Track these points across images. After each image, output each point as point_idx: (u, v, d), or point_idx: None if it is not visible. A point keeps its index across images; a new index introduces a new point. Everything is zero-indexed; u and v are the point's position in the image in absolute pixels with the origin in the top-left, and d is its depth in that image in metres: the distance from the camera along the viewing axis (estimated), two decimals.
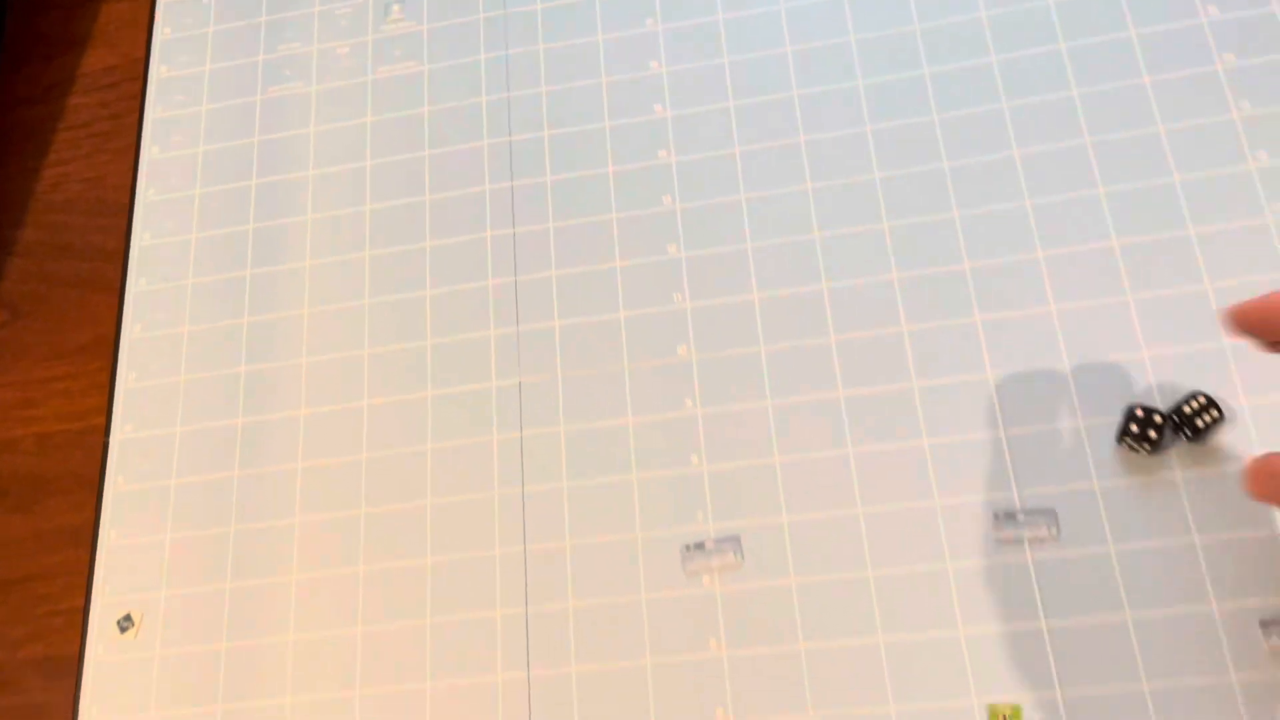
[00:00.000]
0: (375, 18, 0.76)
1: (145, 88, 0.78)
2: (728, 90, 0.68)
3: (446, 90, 0.72)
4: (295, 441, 0.64)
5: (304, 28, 0.77)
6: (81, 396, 0.70)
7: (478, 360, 0.64)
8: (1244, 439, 0.55)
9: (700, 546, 0.58)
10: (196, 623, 0.61)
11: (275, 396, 0.66)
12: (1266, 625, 0.51)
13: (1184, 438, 0.54)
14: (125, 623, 0.62)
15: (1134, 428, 0.54)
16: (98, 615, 0.63)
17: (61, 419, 0.69)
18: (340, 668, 0.59)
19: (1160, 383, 0.56)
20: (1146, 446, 0.54)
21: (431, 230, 0.69)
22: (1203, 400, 0.54)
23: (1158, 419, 0.54)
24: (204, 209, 0.73)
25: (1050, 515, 0.55)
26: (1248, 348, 0.56)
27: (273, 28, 0.78)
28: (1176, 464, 0.55)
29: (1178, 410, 0.54)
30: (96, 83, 0.79)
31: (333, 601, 0.60)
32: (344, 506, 0.62)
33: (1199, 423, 0.53)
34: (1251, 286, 0.57)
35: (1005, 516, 0.56)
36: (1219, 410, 0.54)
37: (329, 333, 0.67)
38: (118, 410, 0.68)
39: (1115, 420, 0.56)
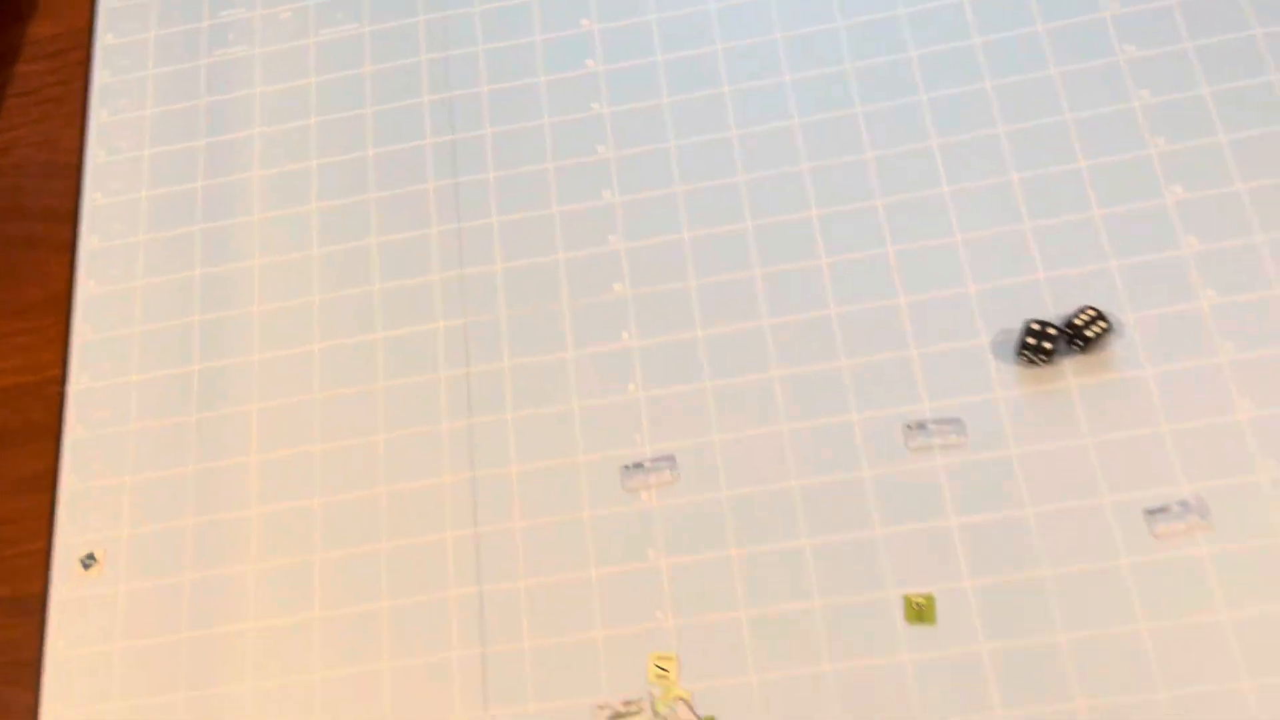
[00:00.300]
0: None
1: (91, 55, 0.80)
2: (655, 45, 0.72)
3: (386, 51, 0.75)
4: (250, 385, 0.67)
5: None
6: (38, 351, 0.71)
7: (425, 302, 0.67)
8: (1130, 348, 0.60)
9: (639, 466, 0.62)
10: (158, 558, 0.64)
11: (229, 343, 0.69)
12: (1150, 514, 0.57)
13: (1076, 348, 0.59)
14: (89, 560, 0.64)
15: (1030, 340, 0.59)
16: (61, 555, 0.65)
17: (19, 372, 0.71)
18: (299, 593, 0.62)
19: (1055, 300, 0.62)
20: (1042, 357, 0.59)
21: (376, 183, 0.71)
22: (1092, 313, 0.59)
23: (1051, 331, 0.59)
24: (153, 169, 0.75)
25: (958, 424, 0.60)
26: (1133, 266, 0.61)
27: None
28: (1070, 373, 0.60)
29: (1069, 323, 0.59)
30: (43, 50, 0.81)
31: (291, 532, 0.63)
32: (299, 443, 0.65)
33: (1089, 333, 0.58)
34: (1135, 213, 0.63)
35: (917, 426, 0.60)
36: (1106, 321, 0.59)
37: (280, 282, 0.70)
38: (74, 363, 0.70)
39: (1016, 336, 0.61)
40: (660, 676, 0.57)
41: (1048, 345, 0.59)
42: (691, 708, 0.56)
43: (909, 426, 0.60)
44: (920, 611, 0.57)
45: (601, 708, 0.57)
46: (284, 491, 0.64)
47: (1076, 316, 0.59)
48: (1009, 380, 0.61)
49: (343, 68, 0.75)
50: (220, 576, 0.63)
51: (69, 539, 0.65)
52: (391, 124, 0.73)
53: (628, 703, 0.57)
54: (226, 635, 0.62)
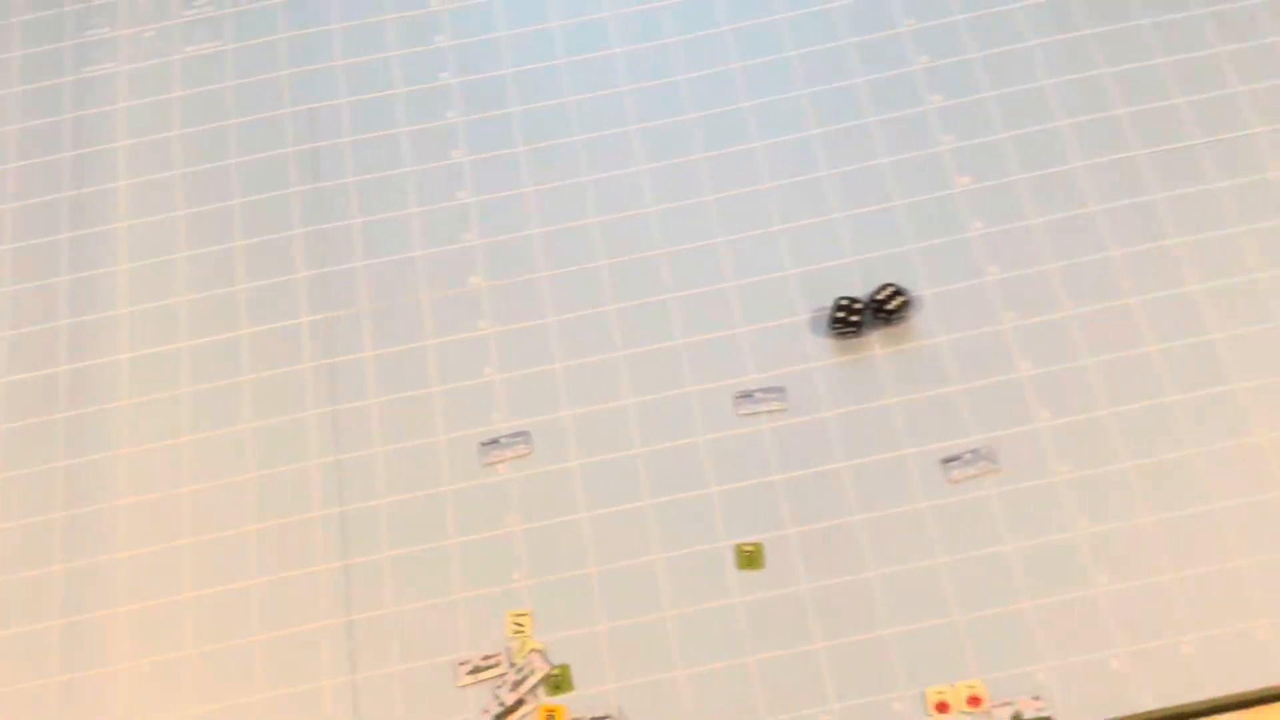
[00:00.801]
0: (179, 2, 0.82)
1: None
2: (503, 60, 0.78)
3: (249, 65, 0.79)
4: (116, 385, 0.69)
5: (110, 13, 0.82)
6: None
7: (290, 298, 0.70)
8: (928, 319, 0.68)
9: (495, 442, 0.67)
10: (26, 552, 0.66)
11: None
12: (946, 463, 0.64)
13: (881, 321, 0.67)
14: None
15: (839, 315, 0.66)
16: None
17: None
18: (170, 578, 0.64)
19: (863, 280, 0.69)
20: (850, 330, 0.66)
21: (239, 190, 0.75)
22: (891, 289, 0.66)
23: (858, 306, 0.66)
24: (17, 184, 0.76)
25: (780, 391, 0.67)
26: (928, 249, 0.69)
27: (81, 15, 0.82)
28: (877, 344, 0.67)
29: (873, 298, 0.66)
30: None
31: (159, 517, 0.65)
32: (168, 437, 0.68)
33: (889, 307, 0.66)
34: (929, 202, 0.70)
35: (744, 395, 0.67)
36: (905, 295, 0.66)
37: (150, 285, 0.72)
38: None
39: (829, 313, 0.68)
40: (517, 632, 0.62)
41: (854, 319, 0.66)
42: (545, 658, 0.61)
43: (738, 396, 0.67)
44: (750, 558, 0.63)
45: (462, 663, 0.61)
46: (153, 484, 0.67)
47: (879, 292, 0.67)
48: (824, 351, 0.68)
49: (207, 82, 0.79)
50: (92, 565, 0.65)
51: None
52: (253, 135, 0.76)
53: (486, 657, 0.61)
54: (101, 619, 0.64)
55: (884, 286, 0.67)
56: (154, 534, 0.65)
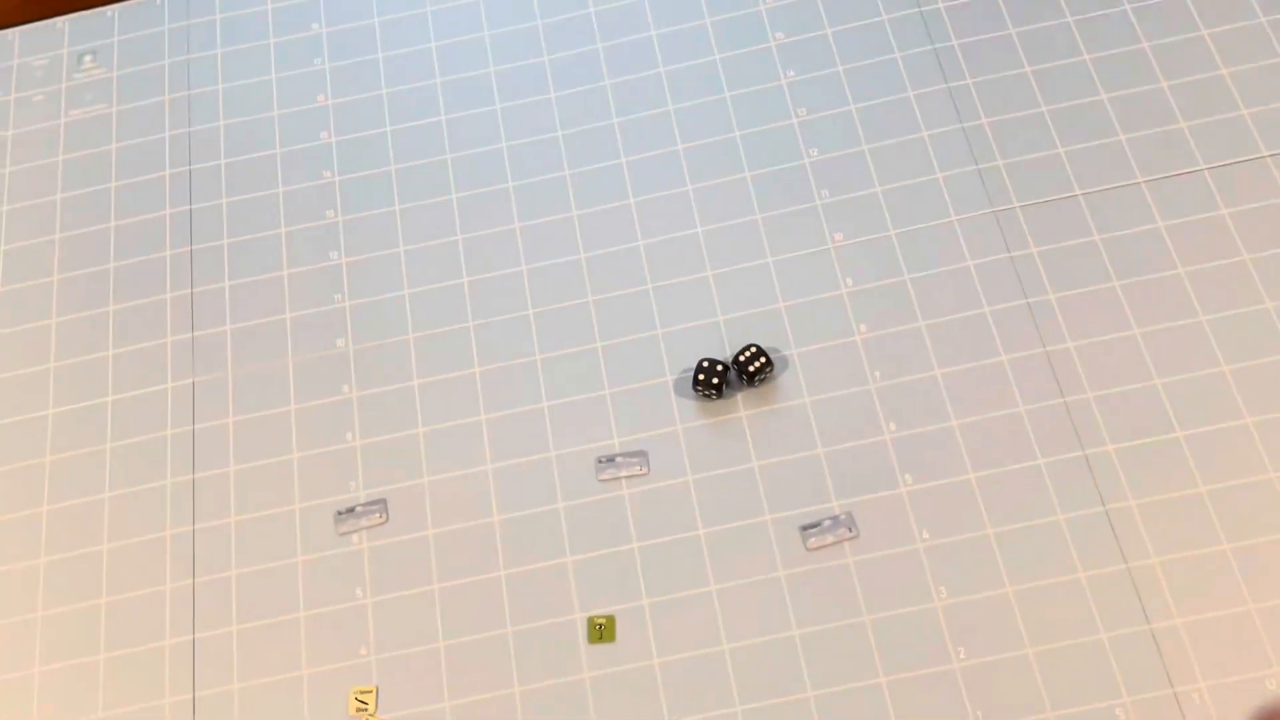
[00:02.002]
0: (69, 67, 0.82)
1: None
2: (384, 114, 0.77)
3: (133, 127, 0.79)
4: None
5: (3, 78, 0.83)
6: None
7: (157, 363, 0.70)
8: (794, 380, 0.66)
9: (351, 511, 0.66)
10: None
11: None
12: (805, 529, 0.62)
13: (744, 383, 0.65)
14: None
15: (700, 377, 0.65)
16: None
17: None
18: (20, 650, 0.63)
19: (733, 339, 0.68)
20: (712, 393, 0.65)
21: (115, 252, 0.74)
22: (753, 350, 0.65)
23: (720, 368, 0.65)
24: None
25: (642, 456, 0.65)
26: (798, 306, 0.68)
27: None
28: (741, 405, 0.66)
29: (735, 359, 0.65)
30: None
31: (11, 592, 0.64)
32: (26, 506, 0.66)
33: (750, 369, 0.64)
34: (801, 259, 0.69)
35: (606, 460, 0.65)
36: (767, 358, 0.65)
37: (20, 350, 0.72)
38: None
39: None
40: (360, 709, 0.60)
41: (715, 380, 0.64)
42: None
43: (600, 460, 0.65)
44: (601, 631, 0.61)
45: None
46: (5, 554, 0.66)
47: (741, 353, 0.65)
48: (689, 413, 0.66)
49: (92, 145, 0.79)
50: None
51: None
52: (133, 197, 0.76)
53: None
54: None
55: (746, 348, 0.65)
56: (5, 608, 0.65)
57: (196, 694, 0.61)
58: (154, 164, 0.78)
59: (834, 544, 0.62)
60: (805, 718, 0.58)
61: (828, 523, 0.62)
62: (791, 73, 0.76)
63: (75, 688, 0.62)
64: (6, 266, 0.75)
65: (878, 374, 0.66)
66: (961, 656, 0.59)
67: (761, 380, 0.66)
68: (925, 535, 0.62)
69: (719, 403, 0.66)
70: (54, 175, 0.79)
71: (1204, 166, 0.70)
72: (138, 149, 0.78)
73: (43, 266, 0.75)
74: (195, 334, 0.72)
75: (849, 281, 0.69)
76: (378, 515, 0.65)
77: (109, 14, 0.84)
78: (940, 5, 0.77)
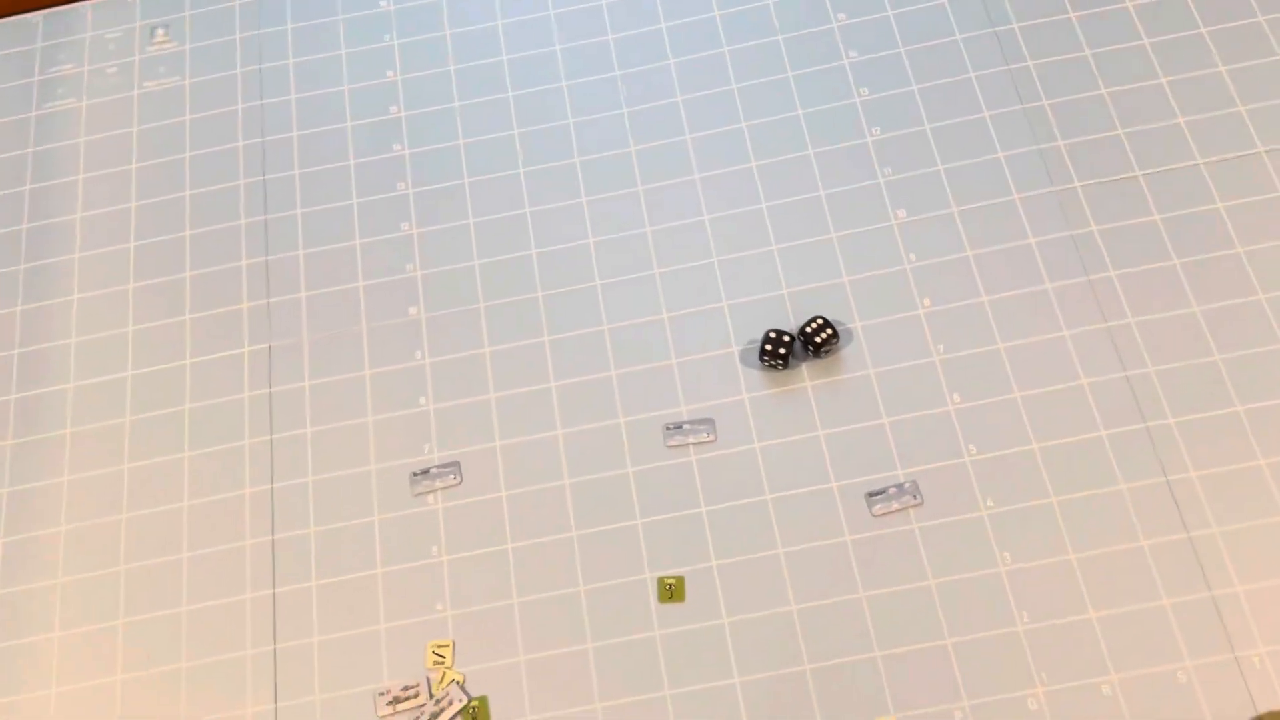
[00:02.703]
0: (142, 40, 0.84)
1: None
2: (453, 93, 0.79)
3: (206, 99, 0.81)
4: (64, 410, 0.71)
5: (76, 51, 0.84)
6: None
7: (234, 328, 0.72)
8: (858, 352, 0.68)
9: (426, 473, 0.67)
10: None
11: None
12: (871, 496, 0.64)
13: (810, 354, 0.67)
14: None
15: (768, 348, 0.66)
16: None
17: None
18: (107, 605, 0.65)
19: (796, 312, 0.69)
20: (779, 363, 0.66)
21: (191, 221, 0.76)
22: (820, 322, 0.66)
23: (787, 339, 0.66)
24: None
25: (709, 423, 0.67)
26: (862, 280, 0.69)
27: (48, 52, 0.85)
28: (807, 376, 0.67)
29: (801, 331, 0.66)
30: None
31: (96, 546, 0.66)
32: (110, 464, 0.68)
33: (818, 339, 0.66)
34: (865, 234, 0.70)
35: (674, 427, 0.67)
36: (833, 329, 0.66)
37: (99, 314, 0.74)
38: None
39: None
40: (437, 662, 0.62)
41: (782, 351, 0.66)
42: (464, 688, 0.61)
43: (668, 427, 0.67)
44: (671, 591, 0.63)
45: (382, 694, 0.61)
46: (90, 511, 0.68)
47: (808, 325, 0.67)
48: (755, 383, 0.68)
49: (166, 116, 0.81)
50: (27, 591, 0.66)
51: None
52: (208, 168, 0.78)
53: (406, 688, 0.61)
54: (33, 645, 0.65)
55: (813, 319, 0.67)
56: (90, 561, 0.67)
57: (278, 645, 0.64)
58: (227, 135, 0.79)
59: (899, 510, 0.63)
60: (872, 677, 0.60)
61: (893, 490, 0.64)
62: (854, 53, 0.77)
63: (159, 638, 0.64)
64: (84, 233, 0.77)
65: (941, 347, 0.67)
66: (1025, 620, 0.60)
67: (827, 352, 0.67)
68: (989, 503, 0.63)
69: (784, 373, 0.68)
70: (129, 145, 0.81)
71: (1261, 149, 0.71)
72: (211, 121, 0.80)
73: (120, 233, 0.77)
74: (271, 300, 0.74)
75: (912, 257, 0.70)
76: (452, 477, 0.67)
77: None
78: None
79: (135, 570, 0.66)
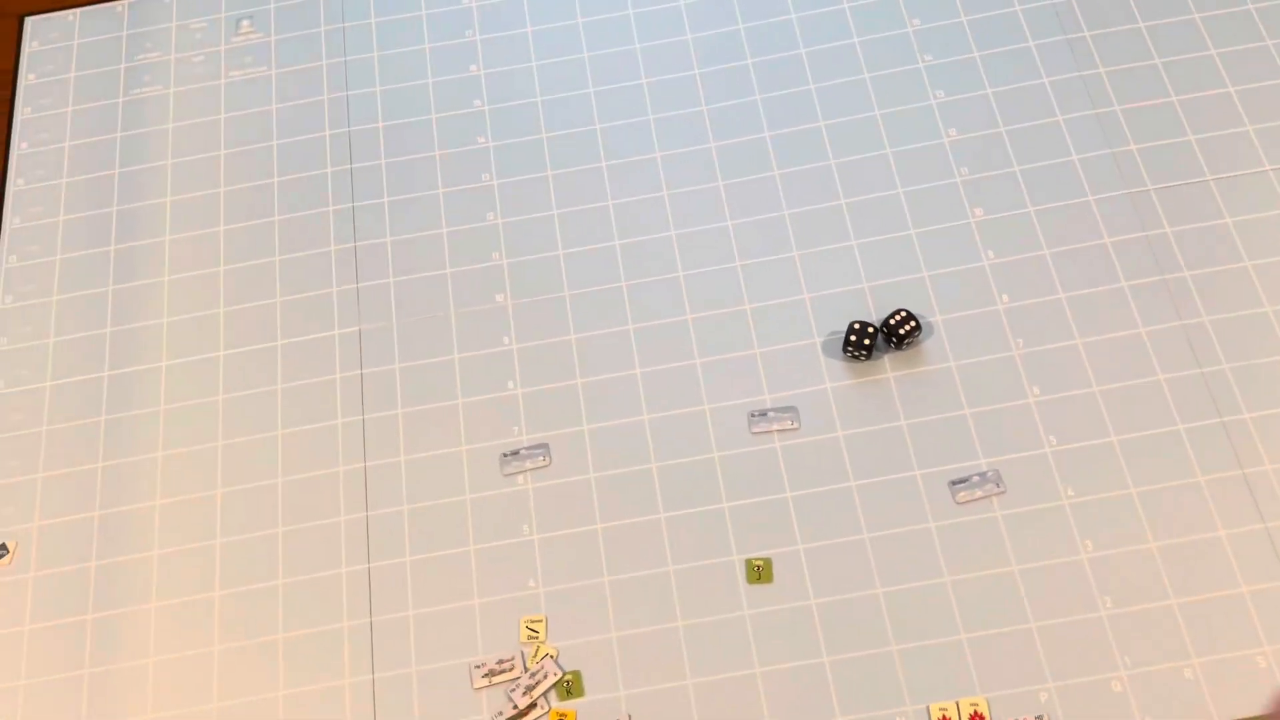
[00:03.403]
0: (227, 31, 0.86)
1: (15, 93, 0.85)
2: (536, 89, 0.81)
3: (292, 89, 0.83)
4: (157, 388, 0.72)
5: (162, 39, 0.86)
6: None
7: (323, 311, 0.73)
8: (939, 345, 0.69)
9: (515, 454, 0.69)
10: (66, 547, 0.68)
11: (138, 353, 0.74)
12: (954, 484, 0.65)
13: (892, 346, 0.69)
14: (1, 551, 0.68)
15: (852, 338, 0.68)
16: None
17: None
18: (201, 576, 0.66)
19: (877, 305, 0.71)
20: (863, 354, 0.68)
21: (279, 207, 0.78)
22: (903, 314, 0.68)
23: (871, 330, 0.68)
24: (70, 197, 0.80)
25: (793, 411, 0.68)
26: (942, 275, 0.71)
27: (134, 40, 0.87)
28: (889, 367, 0.69)
29: (885, 323, 0.68)
30: None
31: (193, 520, 0.68)
32: (203, 440, 0.70)
33: (901, 331, 0.68)
34: (943, 231, 0.72)
35: (759, 414, 0.68)
36: (916, 321, 0.68)
37: (189, 295, 0.75)
38: None
39: (842, 336, 0.70)
40: (531, 637, 0.63)
41: (867, 342, 0.68)
42: (557, 662, 0.62)
43: (752, 414, 0.69)
44: (759, 573, 0.64)
45: (478, 666, 0.63)
46: (187, 486, 0.69)
47: (892, 317, 0.68)
48: (837, 373, 0.69)
49: (252, 105, 0.83)
50: (126, 563, 0.68)
51: None
52: (294, 155, 0.80)
53: (501, 661, 0.63)
54: (131, 615, 0.66)
55: (896, 312, 0.69)
56: (187, 534, 0.68)
57: (374, 618, 0.65)
58: (314, 125, 0.81)
59: (982, 498, 0.65)
60: (959, 659, 0.61)
61: (976, 478, 0.66)
62: (929, 57, 0.79)
63: (258, 610, 0.65)
64: (175, 217, 0.79)
65: (1020, 341, 0.69)
66: (1108, 605, 0.62)
67: (909, 344, 0.69)
68: (1070, 492, 0.65)
69: (866, 364, 0.69)
70: (217, 132, 0.82)
71: None
72: (297, 110, 0.82)
73: (210, 218, 0.79)
74: (360, 284, 0.75)
75: (990, 254, 0.72)
76: (542, 458, 0.69)
77: None
78: None
79: (232, 543, 0.67)
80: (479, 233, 0.77)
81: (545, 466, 0.69)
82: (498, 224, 0.77)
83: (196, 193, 0.80)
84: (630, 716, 0.61)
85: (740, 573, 0.65)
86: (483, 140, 0.80)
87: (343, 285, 0.75)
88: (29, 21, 0.90)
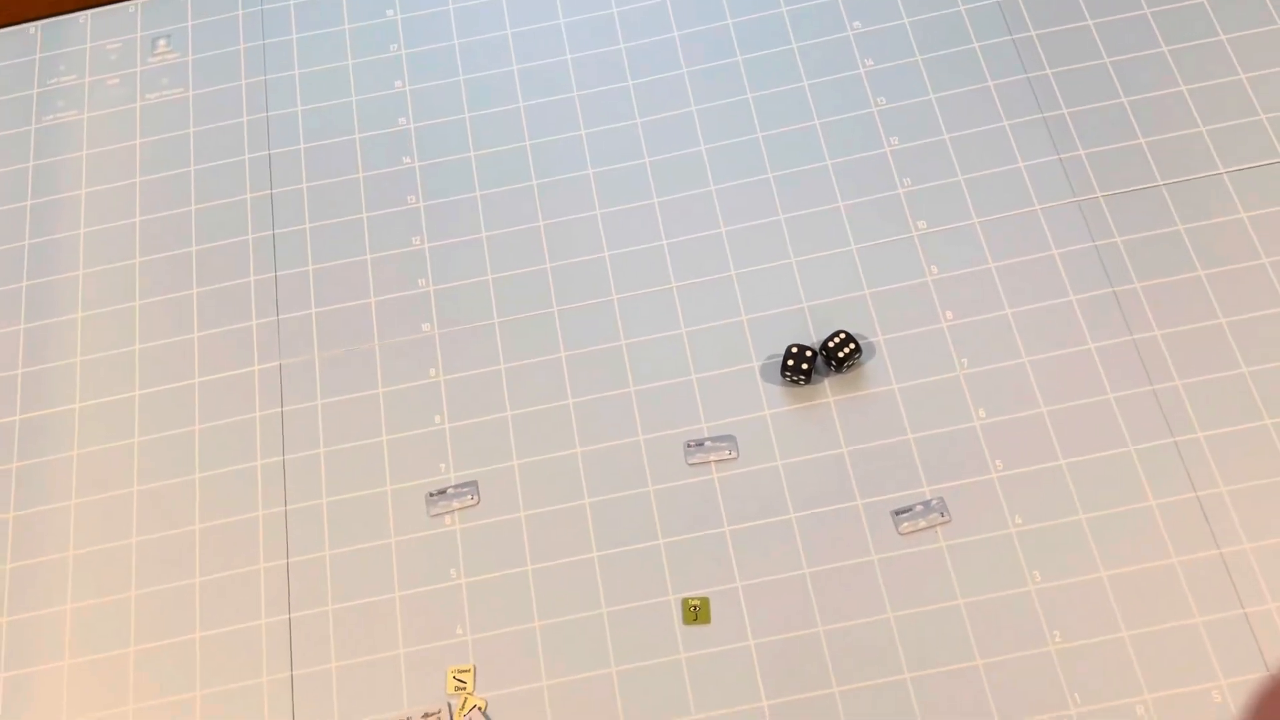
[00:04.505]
0: (144, 51, 0.83)
1: None
2: (463, 105, 0.77)
3: (210, 112, 0.79)
4: (71, 430, 0.69)
5: (76, 61, 0.83)
6: None
7: (242, 344, 0.70)
8: (880, 366, 0.67)
9: (443, 493, 0.66)
10: None
11: (53, 390, 0.71)
12: (897, 514, 0.63)
13: (832, 369, 0.66)
14: None
15: (790, 363, 0.65)
16: None
17: None
18: (116, 634, 0.63)
19: (817, 326, 0.68)
20: (801, 378, 0.65)
21: (197, 235, 0.75)
22: (842, 336, 0.65)
23: (809, 354, 0.65)
24: None
25: (731, 440, 0.66)
26: (883, 294, 0.68)
27: (46, 63, 0.83)
28: (829, 391, 0.66)
29: (824, 346, 0.65)
30: None
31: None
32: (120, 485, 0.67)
33: (840, 354, 0.65)
34: (884, 246, 0.69)
35: (695, 444, 0.66)
36: (856, 344, 0.65)
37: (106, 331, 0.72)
38: None
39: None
40: (459, 688, 0.61)
41: (805, 366, 0.65)
42: (485, 714, 0.60)
43: (688, 444, 0.66)
44: (696, 613, 0.62)
45: None
46: (101, 534, 0.66)
47: (830, 340, 0.66)
48: (776, 399, 0.67)
49: (169, 129, 0.80)
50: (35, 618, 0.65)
51: None
52: (215, 184, 0.77)
53: (427, 714, 0.60)
54: (43, 673, 0.64)
55: (835, 334, 0.66)
56: (100, 587, 0.65)
57: (295, 672, 0.62)
58: (233, 148, 0.78)
59: (926, 528, 0.62)
60: (903, 699, 0.59)
61: (919, 507, 0.63)
62: (870, 61, 0.76)
63: (173, 665, 0.63)
64: (89, 249, 0.76)
65: (965, 360, 0.66)
66: (1057, 639, 0.59)
67: (850, 366, 0.66)
68: (1018, 520, 0.62)
69: (807, 388, 0.67)
70: (133, 158, 0.79)
71: None
72: (216, 133, 0.78)
73: (125, 249, 0.76)
74: (280, 316, 0.72)
75: (934, 269, 0.69)
76: (470, 497, 0.66)
77: None
78: None
79: (147, 595, 0.65)
80: (405, 258, 0.73)
81: (474, 506, 0.66)
82: (424, 248, 0.73)
83: (112, 224, 0.76)
84: None
85: (676, 613, 0.62)
86: (408, 160, 0.77)
87: (263, 318, 0.72)
88: None
